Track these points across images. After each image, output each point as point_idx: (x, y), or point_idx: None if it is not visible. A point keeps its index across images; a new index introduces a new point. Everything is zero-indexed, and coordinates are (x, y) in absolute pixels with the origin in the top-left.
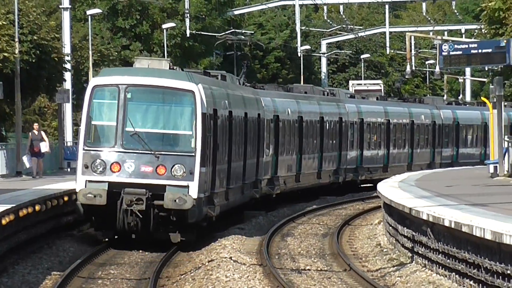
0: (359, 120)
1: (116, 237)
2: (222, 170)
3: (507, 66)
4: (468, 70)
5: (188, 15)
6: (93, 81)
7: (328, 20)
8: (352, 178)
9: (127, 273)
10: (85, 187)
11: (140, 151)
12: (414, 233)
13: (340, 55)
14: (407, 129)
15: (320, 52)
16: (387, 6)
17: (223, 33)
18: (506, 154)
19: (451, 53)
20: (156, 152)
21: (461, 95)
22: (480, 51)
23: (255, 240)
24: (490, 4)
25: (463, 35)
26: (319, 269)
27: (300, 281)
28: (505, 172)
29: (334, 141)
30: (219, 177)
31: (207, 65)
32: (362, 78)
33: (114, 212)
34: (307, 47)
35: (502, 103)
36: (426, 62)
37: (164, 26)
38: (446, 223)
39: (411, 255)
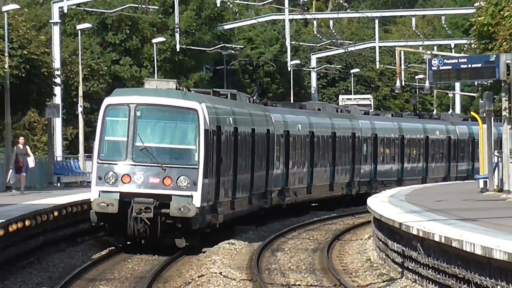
0: (373, 135)
1: (128, 243)
2: (226, 181)
3: (496, 81)
4: (457, 85)
5: (178, 29)
6: (106, 101)
7: (318, 35)
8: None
9: None
10: (99, 196)
11: (149, 164)
12: (404, 248)
13: (330, 69)
14: (421, 144)
15: (310, 66)
16: (376, 21)
17: (213, 48)
18: (496, 168)
19: (441, 67)
20: (163, 165)
21: (450, 110)
22: (469, 66)
23: (245, 255)
24: (479, 19)
25: (453, 50)
26: (309, 284)
27: None
28: (495, 187)
29: (347, 155)
30: (224, 188)
31: (197, 80)
32: (352, 92)
33: (125, 219)
34: (297, 61)
35: (492, 117)
36: (416, 77)
37: (154, 40)
38: (436, 238)
39: (401, 270)
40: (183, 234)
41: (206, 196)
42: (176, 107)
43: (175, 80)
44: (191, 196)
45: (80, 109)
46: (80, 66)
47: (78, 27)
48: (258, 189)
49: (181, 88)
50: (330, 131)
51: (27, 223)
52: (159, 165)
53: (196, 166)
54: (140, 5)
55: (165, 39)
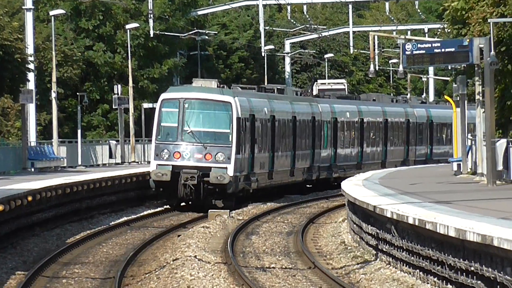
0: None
1: (182, 204)
2: (262, 157)
3: (470, 65)
4: (431, 69)
5: (151, 15)
6: (162, 96)
7: (292, 20)
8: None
9: (92, 272)
10: (156, 169)
11: (194, 144)
12: (378, 231)
13: (303, 54)
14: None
15: (284, 52)
16: (350, 6)
17: (187, 34)
18: (470, 152)
19: (414, 52)
20: (205, 144)
21: (424, 94)
22: (443, 50)
23: (220, 238)
24: (453, 4)
25: (426, 35)
26: (283, 267)
27: (265, 279)
28: (469, 170)
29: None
30: (259, 162)
31: (171, 66)
32: (326, 77)
33: (176, 186)
34: (271, 47)
35: (465, 101)
36: (390, 61)
37: (127, 26)
38: (410, 221)
39: (375, 252)
40: (221, 197)
41: (239, 168)
42: (214, 100)
43: (216, 80)
44: (226, 168)
45: (53, 95)
46: (53, 52)
47: (52, 13)
48: (302, 164)
49: (221, 86)
50: (381, 117)
51: (0, 208)
52: (202, 144)
53: (230, 145)
54: None
55: (138, 25)
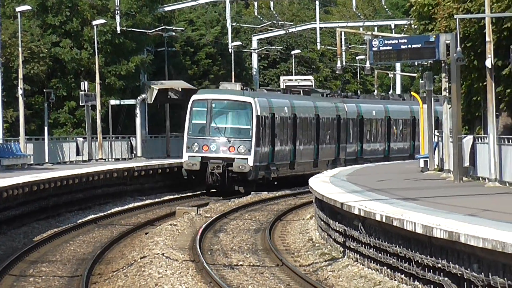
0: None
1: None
2: (282, 150)
3: (436, 61)
4: (398, 65)
5: (118, 11)
6: (193, 97)
7: (259, 16)
8: None
9: (59, 271)
10: (187, 159)
11: (219, 138)
12: (345, 228)
13: (271, 51)
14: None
15: (251, 48)
16: (317, 2)
17: (154, 30)
18: (436, 148)
19: (381, 48)
20: (229, 138)
21: (391, 90)
22: (409, 46)
23: (187, 236)
24: (419, 0)
25: (393, 31)
26: (251, 264)
27: (233, 277)
28: (435, 166)
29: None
30: (280, 154)
31: (138, 62)
32: (293, 74)
33: (204, 174)
34: (238, 43)
35: (432, 97)
36: (357, 58)
37: (94, 22)
38: (378, 218)
39: (343, 249)
40: (242, 184)
41: (258, 159)
42: (237, 101)
43: (240, 83)
44: (247, 159)
45: (20, 92)
46: (20, 49)
47: (18, 9)
48: (325, 157)
49: (244, 88)
50: (409, 116)
51: None
52: (226, 138)
53: (250, 139)
54: None
55: (105, 21)
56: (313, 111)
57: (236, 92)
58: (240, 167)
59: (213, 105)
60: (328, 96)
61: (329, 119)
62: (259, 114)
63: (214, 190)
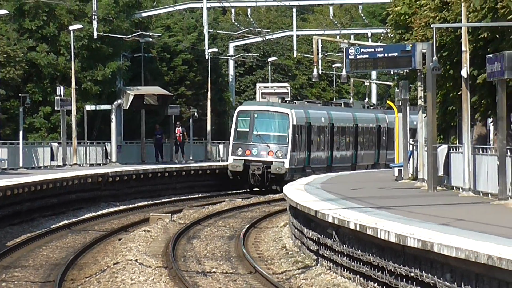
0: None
1: (255, 189)
2: (318, 155)
3: (412, 70)
4: (374, 74)
5: (95, 17)
6: (238, 108)
7: (236, 23)
8: None
9: (32, 276)
10: (232, 162)
11: (260, 144)
12: (319, 236)
13: (247, 58)
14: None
15: (228, 54)
16: (294, 10)
17: (131, 36)
18: (411, 157)
19: (358, 56)
20: (268, 144)
21: (367, 99)
22: (386, 55)
23: (161, 242)
24: (396, 8)
25: (370, 39)
26: (224, 271)
27: (206, 284)
28: (410, 175)
29: None
30: (316, 158)
31: (115, 68)
32: (269, 81)
33: (247, 175)
34: (215, 49)
35: (407, 106)
36: (333, 66)
37: (71, 27)
38: (351, 226)
39: (316, 257)
40: (279, 184)
41: (294, 162)
42: (276, 111)
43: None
44: (283, 162)
45: None
46: None
47: None
48: (364, 161)
49: (284, 101)
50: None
51: None
52: (266, 144)
53: (286, 145)
54: None
55: (82, 27)
56: (352, 121)
57: (275, 104)
58: (278, 169)
59: (255, 115)
60: (371, 108)
61: (368, 128)
62: (295, 123)
63: (257, 189)
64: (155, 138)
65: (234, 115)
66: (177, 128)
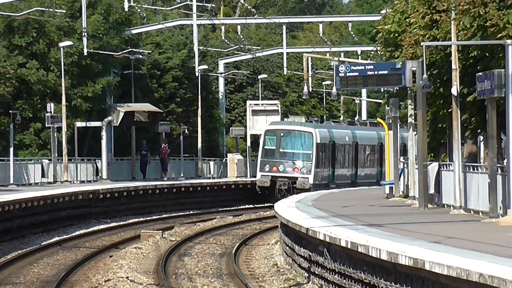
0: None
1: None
2: (343, 171)
3: (402, 88)
4: (364, 91)
5: (85, 33)
6: (265, 127)
7: (226, 40)
8: None
9: None
10: (260, 178)
11: (286, 160)
12: (310, 253)
13: (237, 75)
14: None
15: (218, 72)
16: (284, 27)
17: (121, 52)
18: (402, 175)
19: (348, 74)
20: (293, 161)
21: (357, 116)
22: (376, 72)
23: (152, 259)
24: (386, 26)
25: (359, 57)
26: None
27: None
28: (401, 193)
29: None
30: (340, 174)
31: (105, 85)
32: (260, 98)
33: (273, 189)
34: (205, 66)
35: (398, 124)
36: (323, 83)
37: (61, 44)
38: (343, 243)
39: (307, 275)
40: None
41: (318, 178)
42: (300, 131)
43: (304, 116)
44: (308, 178)
45: None
46: None
47: None
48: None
49: (309, 121)
50: None
51: None
52: (291, 161)
53: (311, 162)
54: (47, 9)
55: (72, 43)
56: (376, 140)
57: (300, 124)
58: (302, 184)
59: (282, 134)
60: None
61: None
62: (319, 141)
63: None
64: (141, 154)
65: (262, 134)
66: (163, 145)
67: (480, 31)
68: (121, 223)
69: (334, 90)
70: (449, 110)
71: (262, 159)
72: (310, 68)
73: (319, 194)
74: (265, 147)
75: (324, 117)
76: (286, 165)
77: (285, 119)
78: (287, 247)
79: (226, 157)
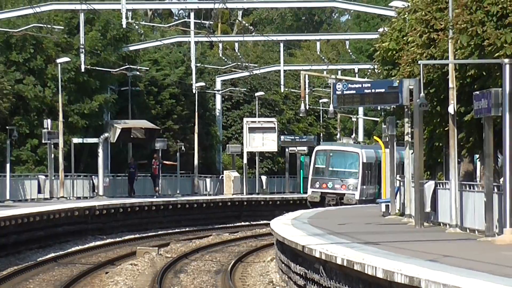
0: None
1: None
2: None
3: (399, 106)
4: (361, 109)
5: (83, 50)
6: (316, 148)
7: (223, 57)
8: None
9: None
10: (311, 194)
11: (335, 178)
12: (306, 271)
13: (234, 92)
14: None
15: (215, 89)
16: (281, 45)
17: (118, 69)
18: (398, 193)
19: (345, 92)
20: (341, 179)
21: (354, 134)
22: (373, 90)
23: (148, 276)
24: (383, 44)
25: (357, 75)
26: None
27: None
28: (397, 211)
29: None
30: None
31: (102, 101)
32: (257, 115)
33: (323, 204)
34: (202, 84)
35: (394, 142)
36: (320, 101)
37: (58, 60)
38: (339, 261)
39: None
40: None
41: (364, 194)
42: (348, 151)
43: (353, 137)
44: (354, 194)
45: None
46: None
47: None
48: None
49: (357, 142)
50: None
51: None
52: (340, 179)
53: (357, 180)
54: (45, 25)
55: (69, 59)
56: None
57: (348, 144)
58: (349, 200)
59: (331, 154)
60: None
61: None
62: (365, 161)
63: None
64: (129, 171)
65: (313, 153)
66: (154, 160)
67: (477, 50)
68: (117, 239)
69: (331, 108)
70: (446, 129)
71: (312, 176)
72: (307, 85)
73: (316, 211)
74: (316, 165)
75: (321, 135)
76: (334, 182)
77: (335, 141)
78: (283, 265)
79: (223, 174)
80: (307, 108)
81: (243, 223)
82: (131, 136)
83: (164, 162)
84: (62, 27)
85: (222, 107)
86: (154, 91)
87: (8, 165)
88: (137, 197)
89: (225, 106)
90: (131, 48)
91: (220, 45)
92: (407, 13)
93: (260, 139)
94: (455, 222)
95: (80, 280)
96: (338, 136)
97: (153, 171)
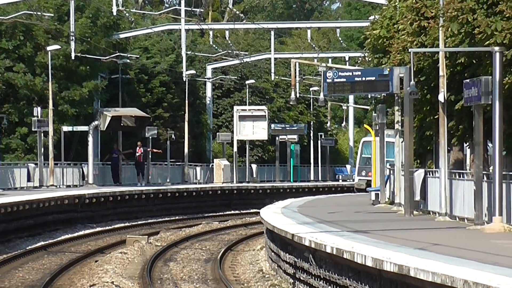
0: None
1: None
2: None
3: (390, 94)
4: (351, 98)
5: (73, 37)
6: (363, 139)
7: (214, 45)
8: None
9: None
10: (358, 181)
11: None
12: (296, 259)
13: (225, 80)
14: None
15: (205, 77)
16: (272, 33)
17: (108, 56)
18: (388, 181)
19: (335, 80)
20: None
21: (344, 123)
22: (363, 79)
23: (137, 264)
24: (374, 32)
25: (347, 63)
26: None
27: None
28: (386, 200)
29: None
30: None
31: (92, 88)
32: (247, 103)
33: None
34: (192, 72)
35: (385, 130)
36: (310, 89)
37: (48, 48)
38: (328, 250)
39: (293, 281)
40: None
41: None
42: (392, 142)
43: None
44: None
45: None
46: None
47: None
48: None
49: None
50: None
51: None
52: None
53: None
54: (35, 12)
55: (59, 47)
56: None
57: (392, 136)
58: None
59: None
60: None
61: None
62: None
63: None
64: (111, 157)
65: (360, 144)
66: (138, 148)
67: (468, 38)
68: (107, 228)
69: (321, 96)
70: (436, 117)
71: (359, 165)
72: (297, 74)
73: (305, 200)
74: (362, 155)
75: (311, 123)
76: None
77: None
78: (273, 253)
79: (213, 162)
80: (298, 96)
81: (233, 212)
82: (121, 124)
83: (148, 149)
84: (52, 14)
85: (213, 95)
86: (145, 79)
87: None
88: (126, 185)
89: (215, 94)
90: (122, 35)
91: (211, 32)
92: (398, 1)
93: (251, 128)
94: (445, 211)
95: (70, 268)
96: (328, 124)
97: (137, 159)
